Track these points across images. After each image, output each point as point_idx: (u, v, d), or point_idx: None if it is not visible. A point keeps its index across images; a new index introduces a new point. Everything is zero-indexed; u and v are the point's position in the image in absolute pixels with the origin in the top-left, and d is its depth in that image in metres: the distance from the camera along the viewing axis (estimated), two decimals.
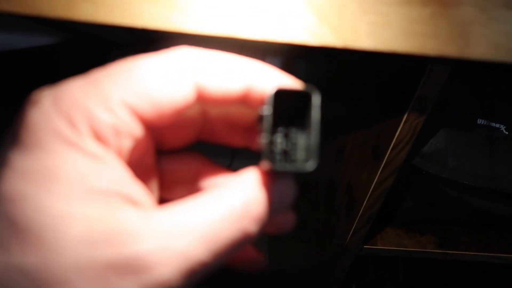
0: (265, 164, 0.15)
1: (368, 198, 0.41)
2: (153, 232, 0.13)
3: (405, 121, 0.35)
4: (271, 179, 0.16)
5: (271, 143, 0.16)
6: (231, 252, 0.14)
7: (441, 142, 0.41)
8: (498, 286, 0.77)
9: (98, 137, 0.14)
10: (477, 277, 0.79)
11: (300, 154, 0.16)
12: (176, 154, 0.20)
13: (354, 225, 0.43)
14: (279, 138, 0.16)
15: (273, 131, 0.16)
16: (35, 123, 0.13)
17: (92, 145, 0.14)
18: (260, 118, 0.16)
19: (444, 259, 0.49)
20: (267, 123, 0.15)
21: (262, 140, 0.15)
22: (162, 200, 0.19)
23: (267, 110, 0.15)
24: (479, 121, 0.43)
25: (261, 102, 0.16)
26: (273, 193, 0.16)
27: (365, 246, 0.47)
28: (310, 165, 0.15)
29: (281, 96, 0.15)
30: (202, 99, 0.16)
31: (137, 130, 0.15)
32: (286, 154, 0.16)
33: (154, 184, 0.19)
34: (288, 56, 0.73)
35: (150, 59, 0.15)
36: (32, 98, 0.14)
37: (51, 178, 0.13)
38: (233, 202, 0.15)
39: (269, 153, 0.15)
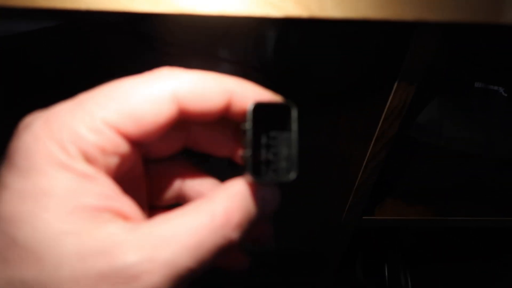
0: (249, 177, 0.16)
1: (362, 172, 0.40)
2: (141, 243, 0.14)
3: (395, 91, 0.34)
4: (254, 189, 0.17)
5: (254, 155, 0.17)
6: (215, 257, 0.16)
7: (435, 110, 0.39)
8: (498, 251, 0.78)
9: (87, 157, 0.15)
10: (477, 243, 0.80)
11: (282, 163, 0.17)
12: (163, 162, 0.21)
13: (350, 199, 0.43)
14: (262, 149, 0.17)
15: (256, 143, 0.17)
16: (28, 147, 0.14)
17: (81, 165, 0.15)
18: (242, 132, 0.16)
19: (443, 227, 0.49)
20: (248, 137, 0.16)
21: (245, 153, 0.16)
22: (152, 206, 0.21)
23: (248, 125, 0.16)
24: (476, 84, 0.41)
25: (242, 116, 0.17)
26: (255, 202, 0.17)
27: (363, 218, 0.47)
28: (292, 176, 0.16)
29: (261, 109, 0.16)
30: (184, 115, 0.17)
31: (123, 148, 0.16)
32: (269, 163, 0.17)
33: (143, 193, 0.20)
34: (255, 31, 0.70)
35: (132, 81, 0.16)
36: (24, 122, 0.15)
37: (45, 198, 0.14)
38: (215, 212, 0.16)
39: (252, 166, 0.16)
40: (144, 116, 0.15)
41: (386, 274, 0.91)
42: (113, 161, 0.16)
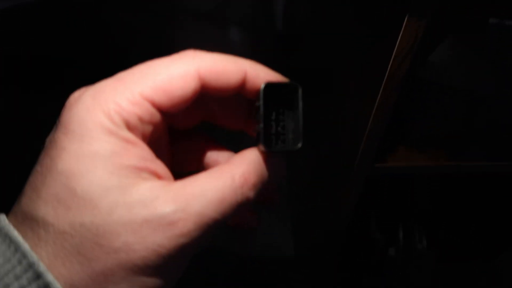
0: (261, 147, 0.19)
1: (373, 116, 0.40)
2: (175, 197, 0.17)
3: (405, 27, 0.33)
4: (266, 157, 0.20)
5: (265, 128, 0.20)
6: (235, 212, 0.18)
7: (448, 49, 0.38)
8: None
9: (128, 125, 0.18)
10: (494, 193, 0.79)
11: (289, 135, 0.20)
12: (185, 135, 0.24)
13: (362, 145, 0.43)
14: (272, 123, 0.20)
15: (267, 118, 0.20)
16: (81, 117, 0.17)
17: (124, 132, 0.18)
18: (255, 109, 0.20)
19: (458, 173, 0.48)
20: (260, 113, 0.19)
21: (258, 127, 0.19)
22: (175, 174, 0.23)
23: (260, 102, 0.19)
24: (491, 20, 0.39)
25: (254, 94, 0.20)
26: (267, 167, 0.20)
27: (376, 165, 0.46)
28: (298, 145, 0.20)
29: (271, 89, 0.19)
30: (205, 90, 0.20)
31: (156, 117, 0.19)
32: (278, 135, 0.20)
33: (169, 159, 0.23)
34: None
35: (163, 61, 0.19)
36: (74, 96, 0.18)
37: (97, 158, 0.17)
38: (235, 174, 0.19)
39: (264, 138, 0.19)
40: (174, 90, 0.18)
41: (401, 231, 0.92)
42: (149, 128, 0.19)
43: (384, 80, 0.36)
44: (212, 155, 0.24)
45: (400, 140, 0.49)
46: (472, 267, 0.84)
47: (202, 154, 0.24)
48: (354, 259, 0.93)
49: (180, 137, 0.24)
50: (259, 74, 0.20)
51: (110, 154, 0.17)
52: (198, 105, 0.22)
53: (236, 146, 0.25)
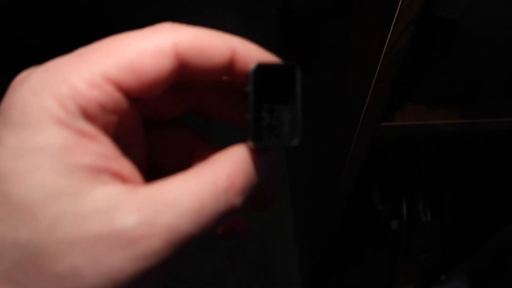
0: (250, 142, 0.16)
1: (381, 64, 0.35)
2: (140, 206, 0.14)
3: None
4: (258, 153, 0.16)
5: (257, 119, 0.16)
6: (218, 223, 0.15)
7: None
8: None
9: (86, 114, 0.14)
10: (500, 155, 0.75)
11: (285, 128, 0.17)
12: (165, 127, 0.20)
13: (368, 100, 0.38)
14: (264, 113, 0.17)
15: (258, 107, 0.16)
16: (24, 102, 0.14)
17: (80, 122, 0.14)
18: (245, 95, 0.16)
19: (471, 132, 0.44)
20: (250, 100, 0.16)
21: (247, 118, 0.16)
22: (152, 171, 0.20)
23: (249, 87, 0.16)
24: None
25: (245, 78, 0.17)
26: (259, 166, 0.16)
27: (382, 124, 0.42)
28: (295, 141, 0.16)
29: (263, 71, 0.16)
30: (186, 71, 0.16)
31: (123, 104, 0.15)
32: (272, 128, 0.17)
33: (142, 156, 0.19)
34: None
35: (132, 35, 0.16)
36: (20, 76, 0.15)
37: (42, 155, 0.13)
38: (218, 176, 0.15)
39: (253, 131, 0.16)
40: (145, 69, 0.15)
41: (404, 203, 0.89)
42: (113, 119, 0.15)
43: (394, 19, 0.31)
44: (198, 153, 0.20)
45: (408, 97, 0.45)
46: (477, 239, 0.81)
47: (186, 151, 0.21)
48: (357, 231, 0.90)
49: (158, 129, 0.20)
50: (250, 54, 0.17)
51: (59, 151, 0.13)
52: (180, 92, 0.19)
53: (234, 140, 0.20)
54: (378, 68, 0.35)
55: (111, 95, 0.15)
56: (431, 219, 0.87)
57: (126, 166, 0.15)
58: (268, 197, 0.20)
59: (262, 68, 0.16)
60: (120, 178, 0.15)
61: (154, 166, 0.20)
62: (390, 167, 0.84)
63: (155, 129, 0.20)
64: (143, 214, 0.13)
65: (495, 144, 0.67)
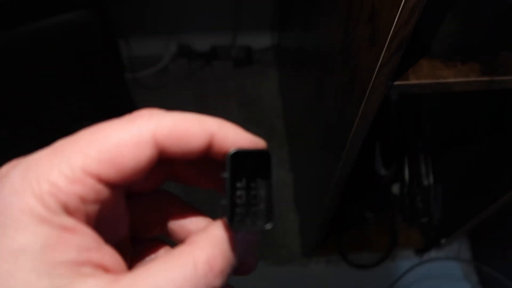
0: (227, 224, 0.17)
1: (398, 17, 0.32)
2: None
3: None
4: (234, 234, 0.17)
5: (232, 203, 0.17)
6: None
7: None
8: None
9: (67, 208, 0.15)
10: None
11: (261, 206, 0.18)
12: (146, 196, 0.21)
13: (382, 56, 0.35)
14: (241, 191, 0.18)
15: (234, 192, 0.18)
16: (6, 201, 0.14)
17: (61, 218, 0.14)
18: (222, 180, 0.17)
19: (489, 90, 0.41)
20: (227, 186, 0.17)
21: (222, 202, 0.17)
22: (135, 238, 0.21)
23: (226, 174, 0.17)
24: None
25: (222, 156, 0.17)
26: (237, 245, 0.17)
27: (395, 83, 0.39)
28: (268, 226, 0.17)
29: (240, 156, 0.17)
30: (165, 156, 0.17)
31: (104, 194, 0.16)
32: (249, 207, 0.18)
33: (124, 228, 0.20)
34: None
35: (110, 126, 0.16)
36: (2, 172, 0.15)
37: (23, 256, 0.13)
38: (197, 261, 0.16)
39: (230, 215, 0.17)
40: (124, 161, 0.16)
41: (407, 166, 0.87)
42: (94, 208, 0.16)
43: None
44: (178, 219, 0.21)
45: (424, 55, 0.41)
46: (479, 203, 0.80)
47: (166, 217, 0.21)
48: (358, 196, 0.89)
49: (140, 198, 0.21)
50: (228, 136, 0.17)
51: (41, 249, 0.14)
52: (158, 169, 0.19)
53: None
54: (395, 21, 0.32)
55: (92, 188, 0.15)
56: (434, 183, 0.86)
57: (107, 254, 0.16)
58: (248, 266, 0.20)
59: (237, 155, 0.17)
60: (102, 268, 0.15)
61: (137, 232, 0.21)
62: (393, 128, 0.81)
63: (136, 198, 0.21)
64: None
65: (507, 105, 0.64)
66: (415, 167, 0.87)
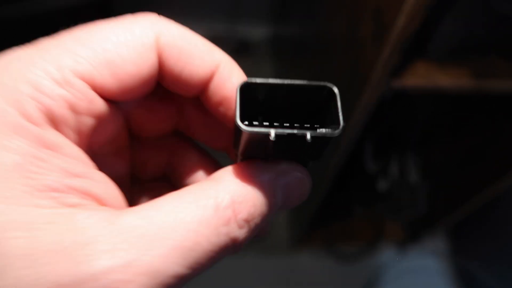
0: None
1: (402, 16, 0.33)
2: (116, 241, 0.10)
3: None
4: (279, 173, 0.13)
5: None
6: (213, 262, 0.12)
7: None
8: None
9: (51, 117, 0.12)
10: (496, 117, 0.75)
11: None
12: (156, 140, 0.18)
13: (383, 54, 0.36)
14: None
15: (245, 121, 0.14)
16: None
17: (42, 130, 0.11)
18: (235, 129, 0.13)
19: (481, 93, 0.43)
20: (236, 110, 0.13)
21: (235, 151, 0.14)
22: (135, 178, 0.18)
23: (237, 103, 0.13)
24: None
25: (215, 101, 0.15)
26: (274, 189, 0.13)
27: (392, 83, 0.41)
28: (338, 131, 0.13)
29: (250, 88, 0.14)
30: (164, 80, 0.14)
31: (99, 106, 0.13)
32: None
33: (125, 166, 0.17)
34: None
35: (109, 24, 0.13)
36: None
37: None
38: (219, 201, 0.12)
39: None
40: (123, 65, 0.13)
41: (395, 163, 0.90)
42: (87, 123, 0.13)
43: None
44: (186, 158, 0.18)
45: (421, 56, 0.43)
46: (462, 199, 0.83)
47: (173, 155, 0.18)
48: (346, 190, 0.92)
49: (147, 142, 0.18)
50: (232, 76, 0.15)
51: (13, 170, 0.10)
52: (167, 105, 0.17)
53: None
54: (400, 20, 0.33)
55: (84, 94, 0.12)
56: (421, 180, 0.89)
57: (101, 183, 0.13)
58: (263, 229, 0.17)
59: (247, 85, 0.14)
60: (92, 198, 0.12)
61: (138, 170, 0.17)
62: (385, 124, 0.84)
63: (143, 139, 0.18)
64: (120, 251, 0.10)
65: (498, 108, 0.67)
66: (403, 164, 0.89)
